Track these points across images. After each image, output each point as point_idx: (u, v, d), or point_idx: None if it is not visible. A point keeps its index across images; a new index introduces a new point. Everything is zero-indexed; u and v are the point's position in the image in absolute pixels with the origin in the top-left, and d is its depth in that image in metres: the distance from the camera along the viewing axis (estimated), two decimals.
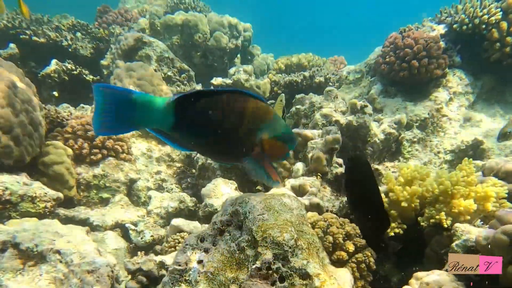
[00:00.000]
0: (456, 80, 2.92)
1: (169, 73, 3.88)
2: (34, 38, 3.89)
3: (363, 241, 1.56)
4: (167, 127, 0.92)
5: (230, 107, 0.96)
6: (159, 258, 1.71)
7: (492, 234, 1.17)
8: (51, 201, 2.07)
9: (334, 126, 2.39)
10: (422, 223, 1.51)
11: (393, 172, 2.47)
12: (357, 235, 1.58)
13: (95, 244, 1.67)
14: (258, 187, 2.52)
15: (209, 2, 5.44)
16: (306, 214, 1.33)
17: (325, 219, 1.59)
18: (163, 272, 1.67)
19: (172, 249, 1.90)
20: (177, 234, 1.97)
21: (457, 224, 1.38)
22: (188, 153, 2.84)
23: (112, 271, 1.60)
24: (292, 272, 1.06)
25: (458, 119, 2.82)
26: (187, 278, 1.16)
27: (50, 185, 2.20)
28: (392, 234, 1.55)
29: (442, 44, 2.92)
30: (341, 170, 2.14)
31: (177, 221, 2.04)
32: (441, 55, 2.84)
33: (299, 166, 2.23)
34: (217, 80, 3.96)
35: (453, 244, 1.34)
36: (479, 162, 2.02)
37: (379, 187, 1.75)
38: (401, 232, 1.55)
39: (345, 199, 1.82)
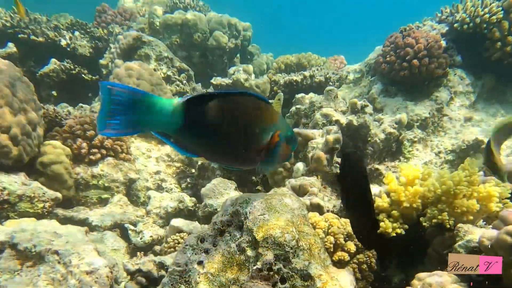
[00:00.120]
0: (457, 80, 2.91)
1: (169, 73, 3.87)
2: (33, 37, 3.87)
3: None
4: (173, 130, 0.89)
5: (240, 109, 0.95)
6: (158, 258, 1.69)
7: (496, 235, 1.16)
8: (50, 201, 2.06)
9: (334, 125, 2.37)
10: (424, 224, 1.50)
11: (393, 172, 2.46)
12: None
13: (94, 244, 1.65)
14: (258, 187, 2.51)
15: (209, 2, 5.43)
16: (308, 215, 1.32)
17: (326, 220, 1.58)
18: (163, 272, 1.65)
19: (172, 249, 1.88)
20: (177, 234, 1.96)
21: (460, 225, 1.37)
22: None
23: (111, 272, 1.58)
24: (294, 273, 1.05)
25: (459, 119, 2.81)
26: (187, 279, 1.15)
27: (49, 185, 2.18)
28: (394, 234, 1.54)
29: (443, 43, 2.90)
30: None
31: (176, 221, 2.03)
32: (442, 54, 2.83)
33: (299, 166, 2.22)
34: (216, 80, 3.95)
35: (456, 245, 1.33)
36: (480, 162, 2.01)
37: (381, 187, 1.74)
38: (403, 232, 1.53)
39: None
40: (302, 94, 2.96)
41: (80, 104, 3.33)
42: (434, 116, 2.82)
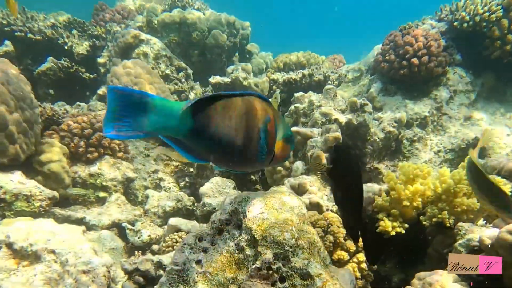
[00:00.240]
0: (457, 78, 2.90)
1: (167, 71, 3.85)
2: (30, 35, 3.85)
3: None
4: (183, 133, 0.86)
5: (247, 110, 0.94)
6: (156, 258, 1.68)
7: (497, 234, 1.15)
8: (47, 200, 2.04)
9: (334, 124, 2.36)
10: (424, 222, 1.49)
11: (393, 171, 2.45)
12: None
13: (91, 243, 1.64)
14: (257, 186, 2.50)
15: (207, 0, 5.40)
16: (307, 213, 1.31)
17: (326, 218, 1.57)
18: (161, 272, 1.64)
19: (170, 248, 1.87)
20: (175, 233, 1.94)
21: (460, 223, 1.36)
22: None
23: (109, 271, 1.57)
24: (293, 272, 1.03)
25: (458, 118, 2.80)
26: (185, 279, 1.13)
27: (46, 184, 2.17)
28: (394, 233, 1.53)
29: (442, 42, 2.89)
30: None
31: (174, 220, 2.02)
32: (442, 53, 2.82)
33: (299, 165, 2.21)
34: (215, 79, 3.93)
35: (456, 244, 1.32)
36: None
37: (380, 186, 1.73)
38: (403, 231, 1.52)
39: None
40: (301, 93, 2.94)
41: (78, 103, 3.31)
42: (433, 115, 2.81)
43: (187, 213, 2.44)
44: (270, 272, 1.03)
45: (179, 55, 4.36)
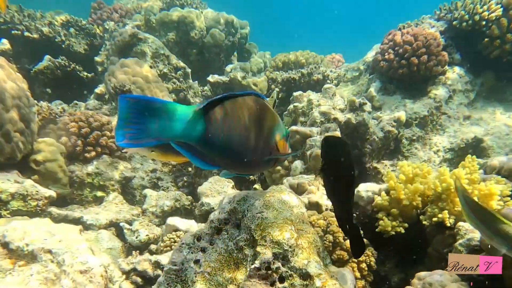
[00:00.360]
0: (456, 78, 2.89)
1: (165, 70, 3.83)
2: (27, 33, 3.82)
3: (364, 240, 1.53)
4: (196, 138, 0.84)
5: (255, 111, 0.93)
6: (154, 257, 1.66)
7: None
8: (43, 199, 2.02)
9: (333, 123, 2.35)
10: (424, 222, 1.48)
11: (392, 170, 2.44)
12: None
13: (88, 243, 1.63)
14: (256, 186, 2.48)
15: None
16: (306, 213, 1.30)
17: (325, 218, 1.56)
18: (158, 272, 1.62)
19: (168, 248, 1.85)
20: (173, 233, 1.93)
21: (460, 223, 1.35)
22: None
23: (106, 271, 1.55)
24: (292, 272, 1.02)
25: (457, 117, 2.79)
26: (183, 279, 1.12)
27: (42, 183, 2.15)
28: (393, 233, 1.52)
29: (441, 41, 2.89)
30: None
31: (173, 220, 2.00)
32: (441, 52, 2.81)
33: (298, 164, 2.20)
34: (213, 78, 3.91)
35: (457, 244, 1.31)
36: (480, 160, 1.99)
37: (380, 185, 1.72)
38: (402, 231, 1.51)
39: None
40: (300, 92, 2.94)
41: (75, 101, 3.29)
42: (432, 114, 2.80)
43: (185, 213, 2.43)
44: (269, 272, 1.02)
45: (177, 54, 4.34)
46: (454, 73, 2.92)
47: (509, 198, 1.43)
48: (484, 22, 2.78)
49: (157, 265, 1.62)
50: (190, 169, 2.94)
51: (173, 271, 1.14)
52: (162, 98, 3.32)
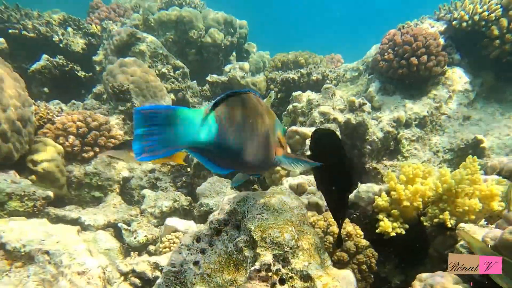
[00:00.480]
0: (456, 78, 2.88)
1: (164, 70, 3.81)
2: (24, 32, 3.80)
3: (364, 242, 1.52)
4: (209, 142, 0.82)
5: (259, 108, 0.93)
6: (153, 259, 1.65)
7: (500, 235, 1.13)
8: (40, 199, 2.00)
9: (332, 123, 2.34)
10: (425, 223, 1.47)
11: (392, 171, 2.44)
12: (358, 235, 1.53)
13: (86, 244, 1.61)
14: (255, 186, 2.47)
15: None
16: (307, 214, 1.28)
17: (325, 219, 1.55)
18: (157, 273, 1.61)
19: (167, 249, 1.84)
20: (172, 234, 1.91)
21: (462, 224, 1.34)
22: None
23: (104, 273, 1.54)
24: (293, 274, 1.01)
25: (457, 118, 2.78)
26: (182, 280, 1.11)
27: (40, 183, 2.13)
28: (394, 234, 1.51)
29: (441, 41, 2.88)
30: None
31: (171, 221, 1.99)
32: (441, 52, 2.80)
33: None
34: (212, 77, 3.90)
35: (458, 245, 1.30)
36: (480, 161, 1.98)
37: (380, 186, 1.71)
38: (403, 232, 1.50)
39: None
40: (299, 92, 2.92)
41: (73, 101, 3.27)
42: (432, 115, 2.79)
43: (184, 213, 2.41)
44: (270, 274, 1.00)
45: (176, 53, 4.33)
46: (453, 74, 2.91)
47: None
48: (483, 22, 2.77)
49: (156, 266, 1.61)
50: (188, 169, 2.92)
51: (172, 272, 1.12)
52: (161, 98, 3.31)
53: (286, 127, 1.07)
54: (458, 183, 1.41)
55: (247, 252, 1.07)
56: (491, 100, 2.88)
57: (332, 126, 2.24)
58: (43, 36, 3.92)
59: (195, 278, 1.08)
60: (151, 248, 2.05)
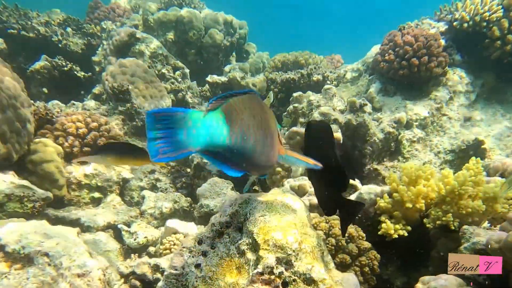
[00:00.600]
0: (457, 79, 2.88)
1: (163, 70, 3.80)
2: (23, 32, 3.78)
3: (366, 244, 1.51)
4: (222, 143, 0.81)
5: (263, 107, 0.93)
6: (153, 261, 1.64)
7: (505, 237, 1.12)
8: (40, 201, 1.99)
9: (333, 124, 2.33)
10: (427, 225, 1.46)
11: (393, 172, 2.43)
12: (360, 237, 1.53)
13: (86, 246, 1.59)
14: (255, 187, 2.46)
15: None
16: (310, 216, 1.27)
17: (327, 221, 1.54)
18: (158, 275, 1.59)
19: (167, 251, 1.83)
20: (172, 235, 1.90)
21: (465, 226, 1.33)
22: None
23: (104, 275, 1.53)
24: (296, 277, 1.00)
25: (458, 119, 2.78)
26: (184, 283, 1.10)
27: (39, 185, 2.11)
28: (396, 236, 1.50)
29: (442, 41, 2.87)
30: None
31: (172, 222, 1.97)
32: (441, 53, 2.79)
33: None
34: (212, 78, 3.89)
35: (462, 247, 1.29)
36: (482, 162, 1.98)
37: (382, 187, 1.70)
38: (405, 234, 1.49)
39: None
40: (300, 93, 2.91)
41: (72, 101, 3.25)
42: (433, 116, 2.78)
43: (184, 214, 2.40)
44: (273, 277, 0.99)
45: (175, 54, 4.31)
46: (454, 74, 2.90)
47: None
48: (485, 23, 2.77)
49: (156, 268, 1.60)
50: (188, 170, 2.91)
51: (173, 275, 1.11)
52: (161, 98, 3.30)
53: (281, 126, 1.09)
54: (461, 185, 1.40)
55: (249, 255, 1.05)
56: (492, 101, 2.88)
57: (334, 127, 2.23)
58: (42, 36, 3.91)
59: (196, 281, 1.06)
60: (151, 249, 2.04)
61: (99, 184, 2.44)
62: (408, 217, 1.53)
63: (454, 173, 1.49)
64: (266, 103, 2.17)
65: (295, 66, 4.01)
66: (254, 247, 1.05)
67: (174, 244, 1.83)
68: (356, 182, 1.90)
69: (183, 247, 1.15)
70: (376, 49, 3.46)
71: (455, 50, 2.98)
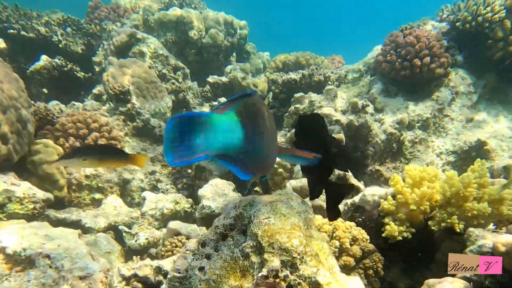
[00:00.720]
0: (459, 80, 2.87)
1: (164, 71, 3.78)
2: (23, 32, 3.77)
3: (370, 246, 1.50)
4: (237, 146, 0.80)
5: (267, 109, 0.92)
6: (155, 263, 1.62)
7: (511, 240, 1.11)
8: (41, 202, 1.98)
9: (335, 125, 2.32)
10: (432, 227, 1.45)
11: (395, 173, 2.42)
12: (364, 239, 1.51)
13: (88, 247, 1.58)
14: (257, 189, 2.45)
15: None
16: (314, 218, 1.26)
17: (331, 223, 1.53)
18: (160, 277, 1.58)
19: (169, 253, 1.81)
20: (174, 237, 1.89)
21: (471, 229, 1.32)
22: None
23: (106, 277, 1.51)
24: (301, 281, 0.99)
25: (460, 120, 2.77)
26: (187, 286, 1.08)
27: (40, 186, 2.10)
28: (400, 238, 1.49)
29: (444, 42, 2.86)
30: None
31: (174, 224, 1.96)
32: (444, 53, 2.79)
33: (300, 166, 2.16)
34: (213, 78, 3.88)
35: (467, 250, 1.28)
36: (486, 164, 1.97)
37: (386, 189, 1.69)
38: (410, 236, 1.48)
39: (349, 201, 1.75)
40: (301, 93, 2.90)
41: (73, 102, 3.24)
42: (435, 117, 2.77)
43: (185, 216, 2.39)
44: (277, 280, 0.98)
45: (176, 54, 4.30)
46: (457, 75, 2.90)
47: None
48: (487, 24, 2.76)
49: (158, 270, 1.58)
50: (189, 170, 2.90)
51: (176, 278, 1.10)
52: (161, 99, 3.28)
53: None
54: (466, 187, 1.39)
55: (254, 258, 1.04)
56: (494, 101, 2.87)
57: (336, 128, 2.22)
58: (42, 37, 3.89)
59: (200, 284, 1.05)
60: (153, 251, 2.03)
61: (99, 185, 2.42)
62: (412, 219, 1.52)
63: (458, 175, 1.48)
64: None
65: (296, 67, 4.00)
66: (259, 250, 1.04)
67: (176, 246, 1.82)
68: (360, 184, 1.89)
69: (187, 250, 1.14)
70: (377, 49, 3.45)
71: (457, 50, 2.97)
